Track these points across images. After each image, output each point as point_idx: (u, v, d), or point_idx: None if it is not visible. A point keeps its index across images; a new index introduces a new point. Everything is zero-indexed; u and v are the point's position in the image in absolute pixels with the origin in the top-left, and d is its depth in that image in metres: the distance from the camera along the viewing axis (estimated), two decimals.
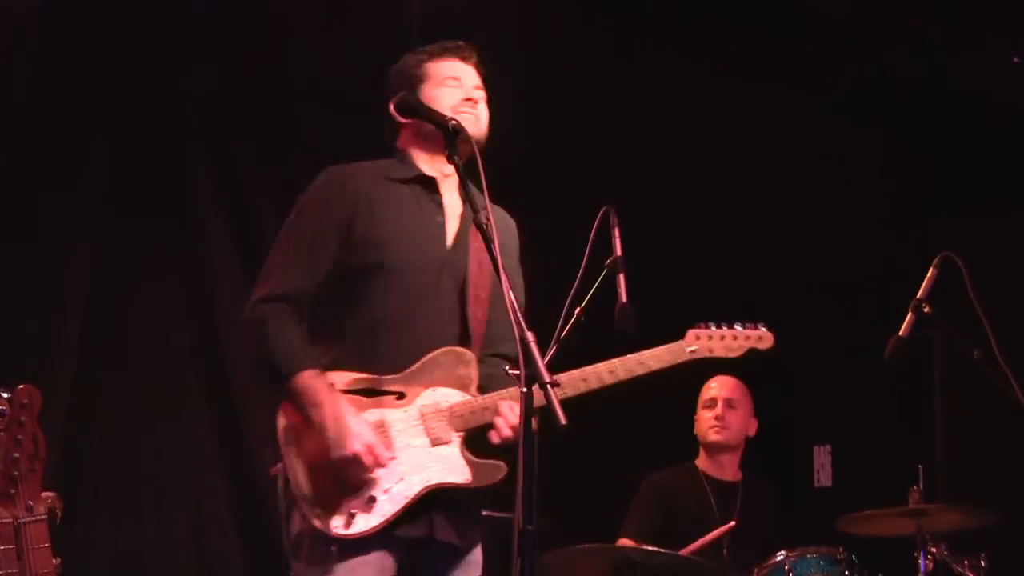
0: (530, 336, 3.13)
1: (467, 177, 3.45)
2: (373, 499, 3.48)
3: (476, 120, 3.69)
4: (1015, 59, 6.20)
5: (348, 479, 3.47)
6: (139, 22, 5.52)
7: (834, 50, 6.39)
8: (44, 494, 3.35)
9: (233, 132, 5.69)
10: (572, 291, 4.19)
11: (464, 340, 3.61)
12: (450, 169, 3.64)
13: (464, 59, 3.80)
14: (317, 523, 3.46)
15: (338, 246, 3.61)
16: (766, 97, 6.43)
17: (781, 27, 6.38)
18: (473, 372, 3.58)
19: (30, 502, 3.31)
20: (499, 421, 3.53)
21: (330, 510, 3.47)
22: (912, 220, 6.38)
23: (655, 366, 3.67)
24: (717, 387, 5.71)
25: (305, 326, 3.59)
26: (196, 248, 5.64)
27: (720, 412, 5.65)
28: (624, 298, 4.20)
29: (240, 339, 3.75)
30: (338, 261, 3.60)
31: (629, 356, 3.66)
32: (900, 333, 4.57)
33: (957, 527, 5.11)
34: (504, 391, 3.54)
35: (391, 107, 3.67)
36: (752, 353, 3.81)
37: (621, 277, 4.25)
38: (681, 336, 3.81)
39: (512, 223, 3.87)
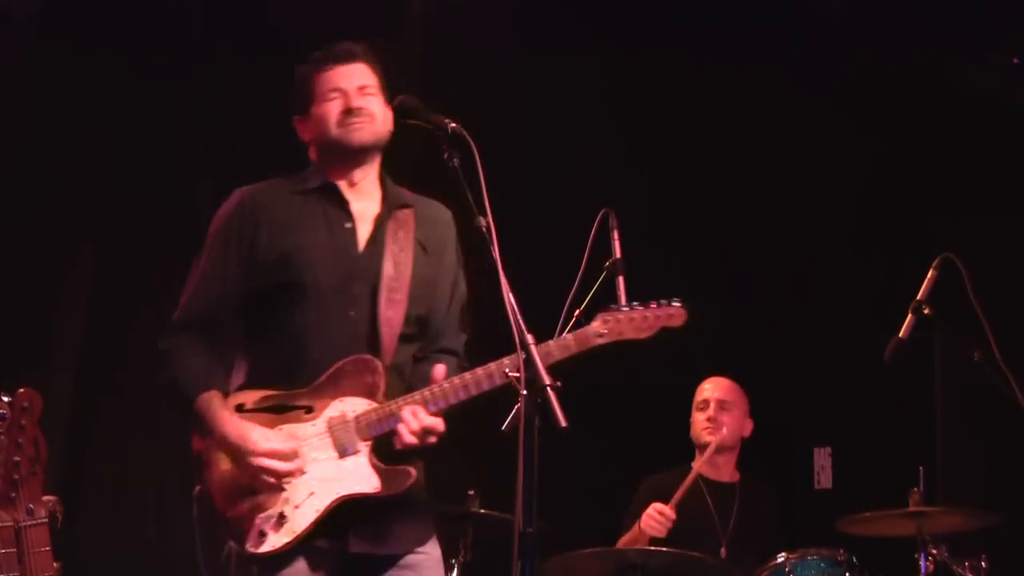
0: (530, 339, 3.13)
1: (465, 181, 3.43)
2: (283, 516, 3.50)
3: (362, 128, 3.68)
4: (1015, 59, 6.20)
5: (259, 493, 3.51)
6: (140, 22, 5.52)
7: (835, 50, 6.39)
8: (45, 497, 3.36)
9: (234, 135, 5.70)
10: (571, 293, 4.19)
11: (374, 346, 3.59)
12: (361, 175, 3.69)
13: (346, 61, 3.75)
14: (233, 544, 3.51)
15: (246, 268, 3.65)
16: (767, 97, 6.43)
17: (782, 28, 6.38)
18: (380, 379, 3.55)
19: (31, 505, 3.31)
20: (400, 427, 3.50)
21: (244, 530, 3.51)
22: (913, 221, 6.38)
23: (561, 356, 3.50)
24: (710, 389, 5.72)
25: (219, 350, 3.65)
26: (197, 251, 5.63)
27: (713, 413, 5.65)
28: (623, 300, 4.21)
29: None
30: (249, 282, 3.65)
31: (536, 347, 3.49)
32: (900, 334, 4.57)
33: (958, 529, 5.11)
34: (411, 396, 3.53)
35: (392, 109, 3.67)
36: (665, 332, 3.64)
37: (620, 279, 4.26)
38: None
39: (446, 216, 3.81)
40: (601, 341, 3.51)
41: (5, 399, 3.32)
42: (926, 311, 4.53)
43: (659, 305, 3.59)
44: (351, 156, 3.71)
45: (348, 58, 3.75)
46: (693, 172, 6.44)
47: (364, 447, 3.54)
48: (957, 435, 6.04)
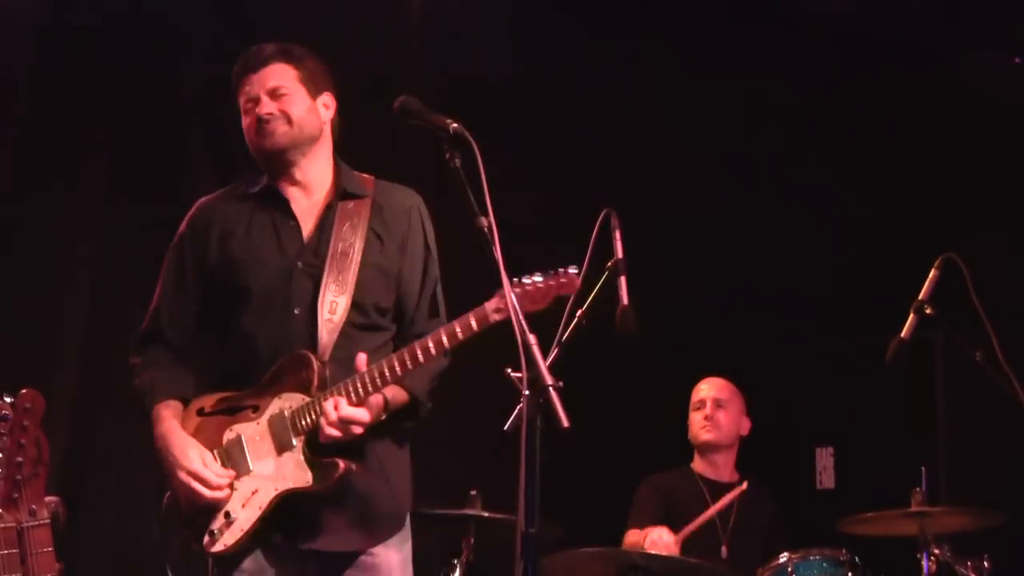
0: (532, 339, 3.13)
1: (467, 181, 3.42)
2: (230, 515, 3.60)
3: (272, 134, 3.71)
4: (1016, 59, 6.20)
5: (196, 503, 3.60)
6: (140, 22, 5.52)
7: (837, 51, 6.39)
8: (47, 498, 3.36)
9: (236, 135, 5.68)
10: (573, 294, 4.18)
11: (312, 339, 3.62)
12: (301, 173, 3.74)
13: (257, 68, 3.78)
14: (194, 545, 3.62)
15: (201, 277, 3.75)
16: (768, 97, 6.43)
17: (783, 28, 6.38)
18: (312, 373, 3.58)
19: (33, 506, 3.31)
20: (321, 420, 3.55)
21: (200, 530, 3.61)
22: (914, 221, 6.37)
23: (464, 336, 3.49)
24: (706, 388, 5.74)
25: (185, 358, 3.77)
26: None
27: (710, 412, 5.67)
28: (625, 300, 4.21)
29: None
30: (207, 289, 3.75)
31: (439, 329, 3.53)
32: (902, 335, 4.56)
33: (960, 529, 5.11)
34: (335, 387, 3.55)
35: (395, 109, 3.67)
36: (560, 300, 3.56)
37: (622, 279, 4.26)
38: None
39: (409, 203, 3.83)
40: (499, 317, 3.44)
41: (7, 400, 3.32)
42: (928, 311, 4.53)
43: (553, 274, 3.48)
44: (275, 160, 3.76)
45: (259, 64, 3.78)
46: (694, 171, 6.44)
47: (298, 442, 3.59)
48: (959, 435, 6.04)
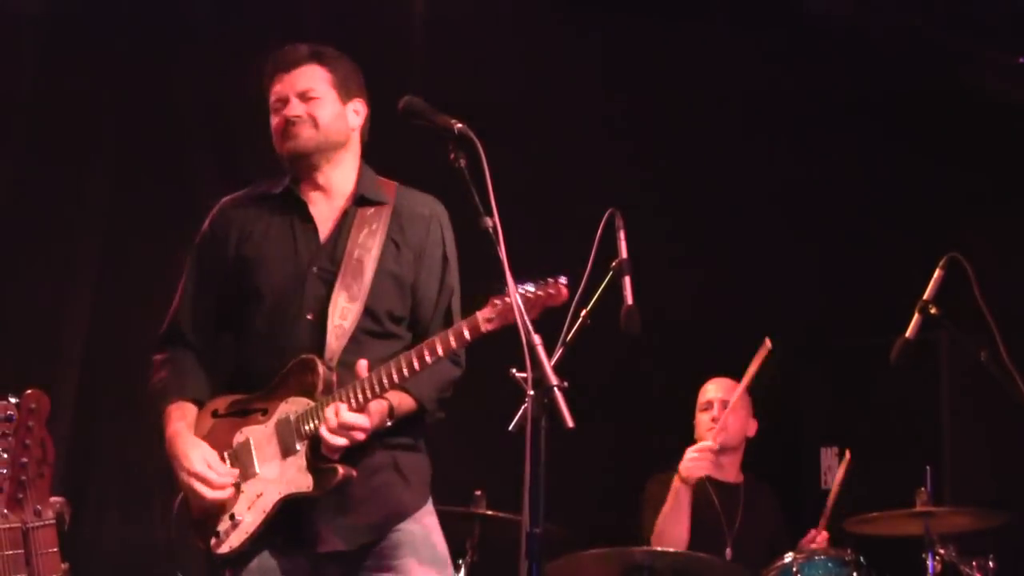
0: (537, 339, 3.13)
1: (472, 181, 3.41)
2: (236, 517, 3.60)
3: (298, 137, 3.69)
4: (1019, 59, 6.20)
5: (202, 504, 3.61)
6: (142, 23, 5.52)
7: (839, 51, 6.39)
8: (52, 499, 3.35)
9: (239, 135, 5.69)
10: (578, 294, 4.18)
11: (320, 344, 3.61)
12: (324, 177, 3.72)
13: (289, 68, 3.75)
14: (202, 545, 3.63)
15: (220, 279, 3.75)
16: (769, 97, 6.42)
17: (785, 29, 6.38)
18: (317, 378, 3.57)
19: (38, 507, 3.31)
20: (321, 427, 3.54)
21: (209, 532, 3.62)
22: (919, 221, 6.37)
23: (458, 344, 3.48)
24: (713, 389, 5.72)
25: (205, 359, 3.77)
26: None
27: (717, 414, 5.66)
28: (630, 300, 4.20)
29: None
30: (225, 290, 3.75)
31: (435, 336, 3.52)
32: (906, 334, 4.56)
33: (965, 528, 5.11)
34: (337, 392, 3.55)
35: (399, 109, 3.66)
36: (548, 311, 3.49)
37: (627, 279, 4.26)
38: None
39: (430, 211, 3.79)
40: (490, 327, 3.43)
41: (12, 400, 3.32)
42: (933, 311, 4.52)
43: (543, 284, 3.42)
44: (298, 163, 3.74)
45: (291, 64, 3.75)
46: (698, 172, 6.44)
47: (302, 447, 3.58)
48: (964, 435, 6.04)
